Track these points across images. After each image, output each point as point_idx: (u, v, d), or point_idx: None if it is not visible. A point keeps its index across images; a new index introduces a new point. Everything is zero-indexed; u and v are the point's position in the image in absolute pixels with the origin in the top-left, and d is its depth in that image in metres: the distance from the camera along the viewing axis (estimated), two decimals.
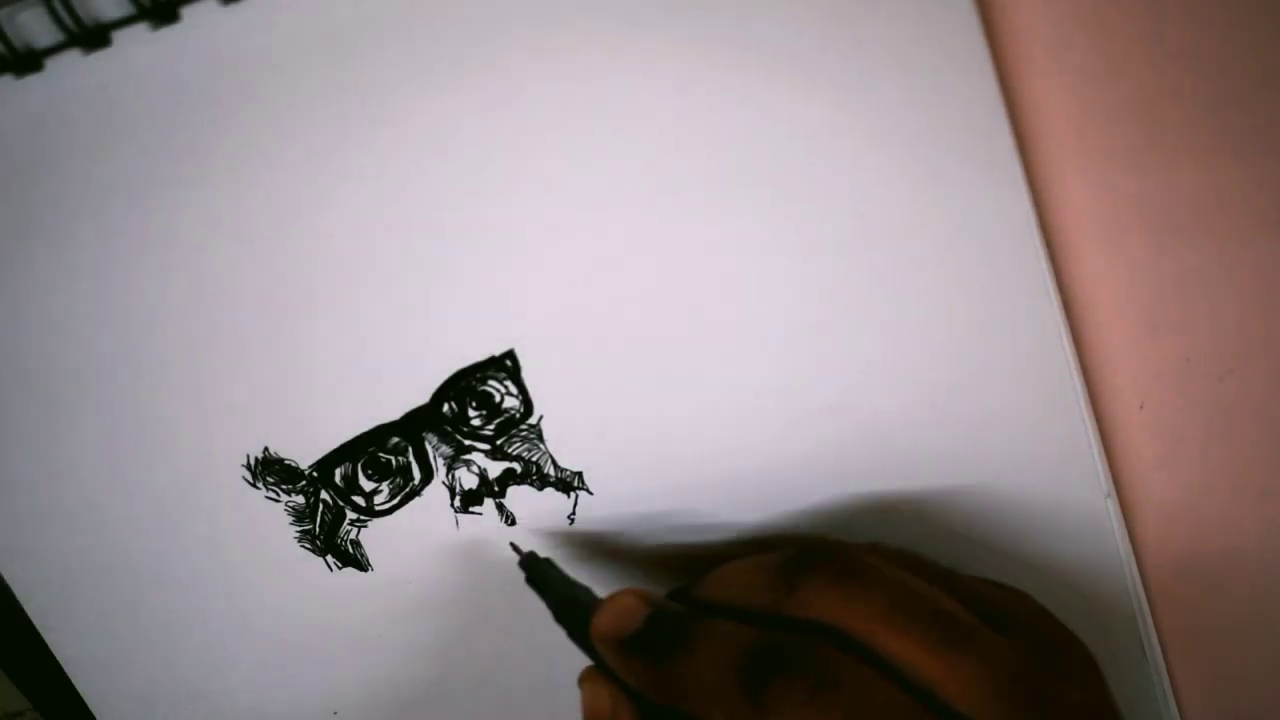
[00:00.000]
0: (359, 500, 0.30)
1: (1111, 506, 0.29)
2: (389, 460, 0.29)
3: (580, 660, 0.27)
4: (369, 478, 0.30)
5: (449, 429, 0.29)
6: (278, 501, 0.30)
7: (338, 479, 0.30)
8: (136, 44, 0.25)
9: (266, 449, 0.29)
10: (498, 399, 0.29)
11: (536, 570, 0.29)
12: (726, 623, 0.25)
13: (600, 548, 0.30)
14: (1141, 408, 0.29)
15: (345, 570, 0.30)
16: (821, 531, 0.29)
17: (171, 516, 0.30)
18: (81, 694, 0.32)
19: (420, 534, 0.30)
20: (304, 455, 0.29)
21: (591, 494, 0.30)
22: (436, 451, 0.29)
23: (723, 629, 0.25)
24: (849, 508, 0.29)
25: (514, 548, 0.29)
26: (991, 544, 0.29)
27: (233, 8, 0.25)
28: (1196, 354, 0.28)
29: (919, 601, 0.24)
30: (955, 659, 0.23)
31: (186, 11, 0.25)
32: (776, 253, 0.27)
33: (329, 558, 0.30)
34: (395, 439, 0.29)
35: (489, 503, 0.30)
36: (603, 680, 0.26)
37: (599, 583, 0.28)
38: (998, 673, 0.23)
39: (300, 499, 0.30)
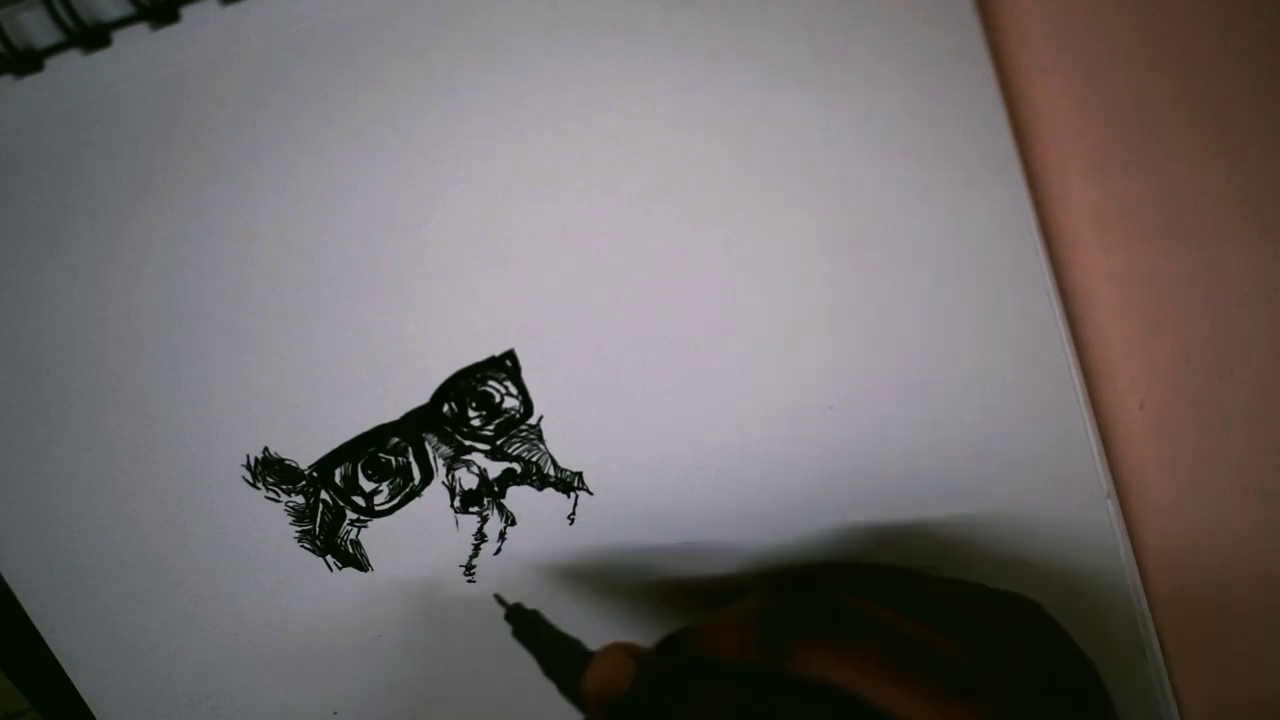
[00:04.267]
0: (359, 500, 0.30)
1: (1111, 506, 0.29)
2: (389, 460, 0.29)
3: None
4: (369, 478, 0.30)
5: (449, 429, 0.29)
6: (278, 501, 0.30)
7: (338, 479, 0.30)
8: (136, 44, 0.25)
9: (266, 449, 0.29)
10: (498, 399, 0.29)
11: (523, 623, 0.29)
12: (717, 685, 0.24)
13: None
14: (1141, 408, 0.29)
15: (345, 570, 0.30)
16: (820, 530, 0.29)
17: (171, 516, 0.30)
18: (81, 694, 0.32)
19: (420, 534, 0.30)
20: (304, 455, 0.29)
21: (591, 494, 0.30)
22: (436, 452, 0.29)
23: (714, 693, 0.24)
24: (848, 506, 0.29)
25: (499, 600, 0.29)
26: (991, 544, 0.29)
27: (233, 8, 0.25)
28: (1196, 354, 0.28)
29: (913, 651, 0.24)
30: (955, 709, 0.23)
31: (186, 11, 0.25)
32: (776, 253, 0.27)
33: (329, 558, 0.30)
34: (395, 439, 0.29)
35: (489, 502, 0.30)
36: None
37: (586, 618, 0.29)
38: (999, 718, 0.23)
39: (300, 499, 0.30)
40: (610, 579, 0.30)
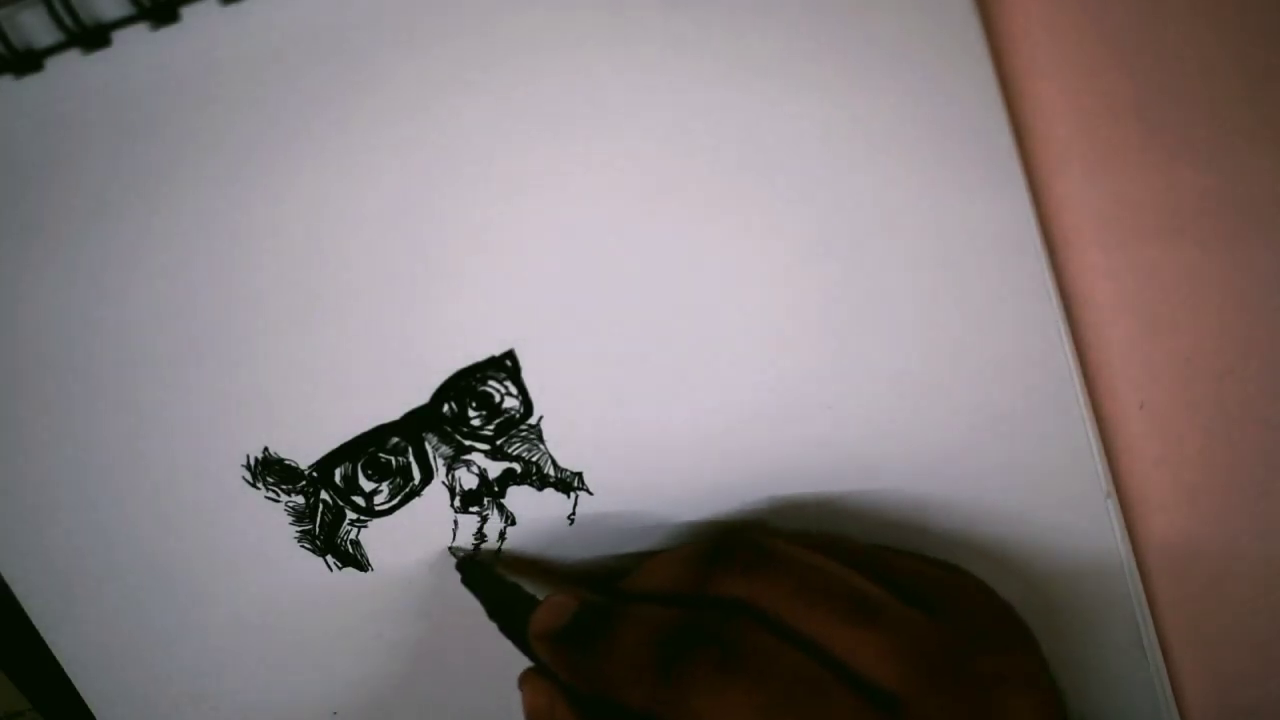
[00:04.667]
0: (359, 500, 0.30)
1: (1111, 506, 0.29)
2: (389, 460, 0.29)
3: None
4: (369, 478, 0.30)
5: (449, 429, 0.29)
6: (278, 501, 0.30)
7: (338, 479, 0.30)
8: (136, 44, 0.25)
9: (266, 449, 0.29)
10: (498, 399, 0.29)
11: (471, 572, 0.30)
12: (646, 606, 0.26)
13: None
14: (1141, 407, 0.29)
15: (345, 570, 0.30)
16: (819, 529, 0.29)
17: (171, 516, 0.30)
18: (81, 694, 0.32)
19: (420, 534, 0.30)
20: (304, 455, 0.29)
21: (591, 494, 0.30)
22: (436, 451, 0.29)
23: (642, 612, 0.25)
24: (848, 505, 0.29)
25: (451, 551, 0.30)
26: (991, 544, 0.29)
27: (233, 8, 0.25)
28: (1196, 354, 0.28)
29: (828, 580, 0.25)
30: (864, 632, 0.24)
31: (186, 11, 0.25)
32: (776, 253, 0.27)
33: (329, 558, 0.30)
34: (395, 439, 0.29)
35: (489, 502, 0.30)
36: (540, 680, 0.27)
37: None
38: (907, 644, 0.24)
39: (300, 499, 0.30)
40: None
